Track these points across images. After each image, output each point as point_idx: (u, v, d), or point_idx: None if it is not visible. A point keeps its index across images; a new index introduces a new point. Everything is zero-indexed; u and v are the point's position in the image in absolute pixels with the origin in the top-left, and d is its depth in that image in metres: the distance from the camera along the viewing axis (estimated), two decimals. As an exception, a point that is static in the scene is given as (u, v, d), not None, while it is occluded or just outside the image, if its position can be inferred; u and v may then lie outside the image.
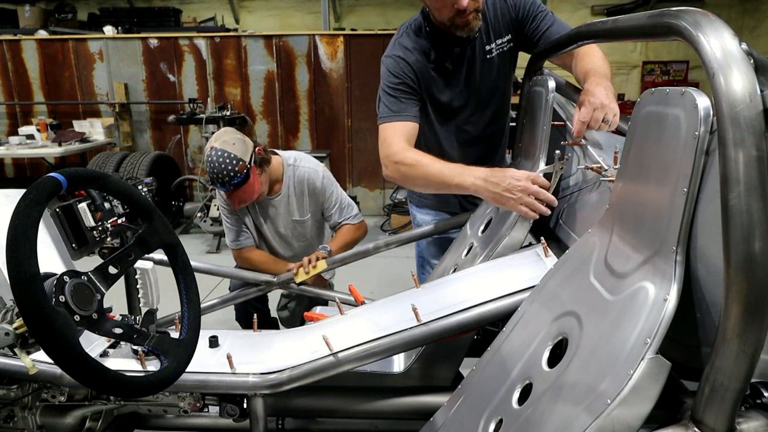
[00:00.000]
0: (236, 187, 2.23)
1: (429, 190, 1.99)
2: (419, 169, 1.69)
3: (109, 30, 6.61)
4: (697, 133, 0.86)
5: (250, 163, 2.23)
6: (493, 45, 1.90)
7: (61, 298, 0.95)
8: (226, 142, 2.22)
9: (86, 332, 1.04)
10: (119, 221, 1.78)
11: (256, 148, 2.30)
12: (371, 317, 1.58)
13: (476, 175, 1.56)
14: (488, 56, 1.92)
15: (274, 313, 2.94)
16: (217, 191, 2.54)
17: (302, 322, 2.46)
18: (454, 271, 1.86)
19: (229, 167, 2.17)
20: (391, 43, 1.92)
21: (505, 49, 1.93)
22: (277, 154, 2.48)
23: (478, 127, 2.05)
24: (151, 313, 1.25)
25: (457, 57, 1.89)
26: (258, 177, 2.29)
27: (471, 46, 1.89)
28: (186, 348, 1.16)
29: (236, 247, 2.54)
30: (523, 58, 2.01)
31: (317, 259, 2.25)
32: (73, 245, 1.66)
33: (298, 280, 2.22)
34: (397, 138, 1.77)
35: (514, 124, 2.27)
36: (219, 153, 2.19)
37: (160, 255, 1.66)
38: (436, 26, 1.84)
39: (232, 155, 2.18)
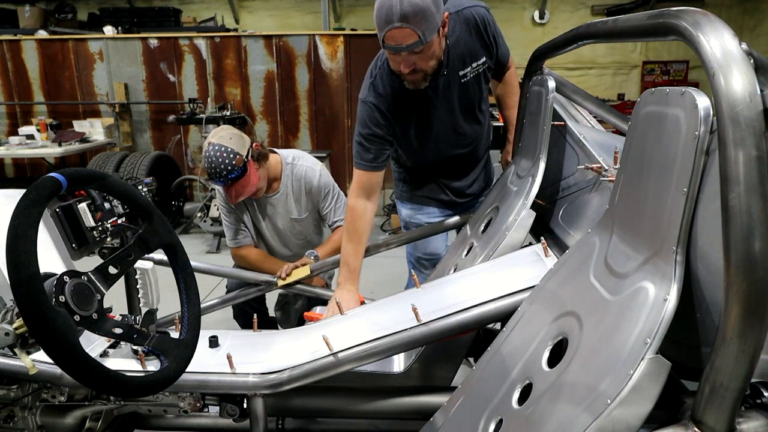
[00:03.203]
0: (234, 181, 2.24)
1: None
2: (344, 230, 2.06)
3: (109, 30, 6.60)
4: (697, 133, 0.86)
5: (247, 157, 2.25)
6: (468, 69, 1.97)
7: (61, 298, 0.95)
8: (223, 138, 2.24)
9: (86, 332, 1.04)
10: (119, 221, 1.78)
11: (254, 144, 2.32)
12: (371, 317, 1.58)
13: (341, 286, 1.97)
14: (463, 80, 1.98)
15: (272, 313, 2.94)
16: (217, 190, 2.55)
17: (300, 322, 2.46)
18: (454, 271, 1.86)
19: (227, 161, 2.19)
20: (365, 84, 1.98)
21: (480, 70, 2.01)
22: (275, 152, 2.48)
23: (461, 142, 2.15)
24: (151, 313, 1.25)
25: (431, 90, 1.94)
26: (256, 171, 2.30)
27: (444, 77, 1.93)
28: (186, 348, 1.16)
29: (234, 246, 2.55)
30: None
31: (294, 268, 2.26)
32: (73, 245, 1.66)
33: (280, 284, 2.24)
34: (355, 186, 2.03)
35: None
36: (216, 147, 2.21)
37: (160, 255, 1.66)
38: None
39: (230, 149, 2.20)
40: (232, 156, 2.19)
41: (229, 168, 2.19)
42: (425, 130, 2.04)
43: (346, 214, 2.08)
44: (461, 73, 1.96)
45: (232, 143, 2.22)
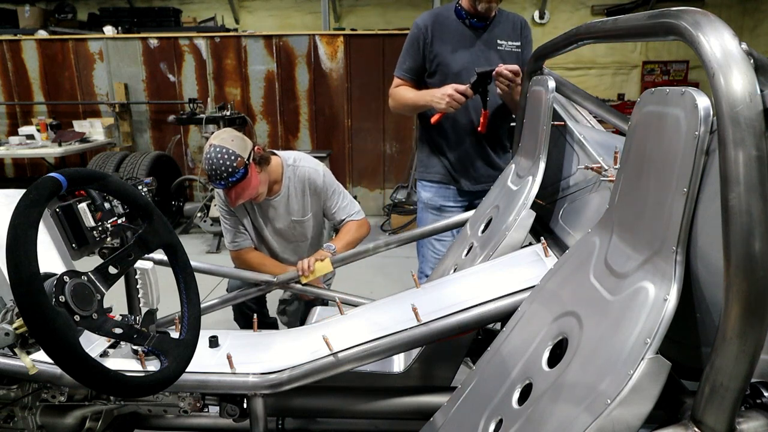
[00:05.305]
0: (234, 184, 2.22)
1: (414, 112, 2.58)
2: (402, 99, 2.45)
3: (109, 30, 6.60)
4: (697, 133, 0.86)
5: (248, 160, 2.23)
6: (505, 42, 2.38)
7: (61, 298, 0.95)
8: (225, 140, 2.22)
9: (86, 332, 1.04)
10: (119, 221, 1.78)
11: (255, 147, 2.30)
12: (371, 317, 1.58)
13: (434, 92, 2.26)
14: (499, 47, 2.37)
15: (272, 314, 2.93)
16: (216, 193, 2.53)
17: (302, 324, 2.46)
18: (454, 271, 1.86)
19: (228, 163, 2.17)
20: (433, 10, 2.53)
21: (513, 49, 2.39)
22: (276, 154, 2.47)
23: (477, 104, 2.29)
24: (151, 313, 1.24)
25: (472, 34, 2.35)
26: (257, 174, 2.28)
27: (486, 32, 2.35)
28: (186, 348, 1.16)
29: (234, 249, 2.54)
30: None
31: (316, 261, 2.21)
32: (73, 245, 1.65)
33: (304, 281, 2.19)
34: (394, 85, 2.51)
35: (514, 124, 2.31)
36: (217, 149, 2.19)
37: (160, 255, 1.66)
38: (464, 7, 2.34)
39: (231, 151, 2.18)
40: (233, 158, 2.18)
41: (230, 170, 2.17)
42: (460, 68, 2.32)
43: (392, 92, 2.50)
44: (499, 41, 2.36)
45: (233, 145, 2.20)
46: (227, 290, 2.57)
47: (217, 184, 2.25)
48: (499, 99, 2.34)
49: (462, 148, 2.45)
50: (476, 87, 2.15)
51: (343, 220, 2.53)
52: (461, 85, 2.16)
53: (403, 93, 2.45)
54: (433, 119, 2.31)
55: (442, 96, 2.18)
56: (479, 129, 2.28)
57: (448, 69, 2.35)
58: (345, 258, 2.26)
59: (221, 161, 2.17)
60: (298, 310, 2.66)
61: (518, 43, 2.39)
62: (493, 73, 2.11)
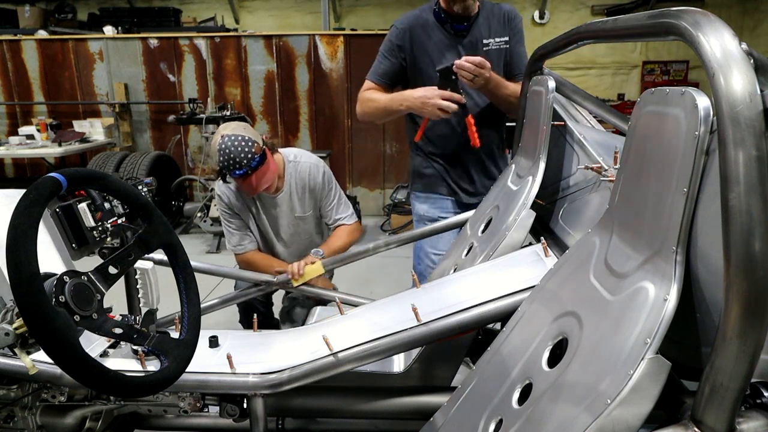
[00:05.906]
0: (254, 170, 2.20)
1: (386, 118, 2.35)
2: (373, 103, 2.22)
3: (109, 30, 6.61)
4: (697, 133, 0.86)
5: (263, 145, 2.24)
6: (491, 40, 2.21)
7: (61, 298, 0.95)
8: (236, 129, 2.22)
9: (86, 332, 1.04)
10: (119, 221, 1.78)
11: (263, 136, 2.32)
12: (371, 317, 1.58)
13: (412, 96, 2.07)
14: (485, 48, 2.21)
15: (277, 316, 2.93)
16: (218, 195, 2.51)
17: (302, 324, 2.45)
18: (454, 271, 1.86)
19: (246, 149, 2.16)
20: (412, 11, 2.29)
21: (501, 46, 2.23)
22: (277, 151, 2.47)
23: (473, 110, 2.19)
24: (151, 313, 1.25)
25: (454, 38, 2.20)
26: (273, 160, 2.29)
27: (469, 33, 2.19)
28: (186, 348, 1.16)
29: (240, 252, 2.53)
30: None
31: (306, 264, 2.21)
32: (73, 245, 1.65)
33: (295, 284, 2.20)
34: (364, 89, 2.29)
35: (513, 124, 2.30)
36: (232, 138, 2.17)
37: (160, 255, 1.66)
38: (442, 8, 2.17)
39: (247, 138, 2.18)
40: (250, 144, 2.17)
41: (249, 156, 2.16)
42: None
43: (361, 96, 2.28)
44: (485, 41, 2.20)
45: (247, 133, 2.20)
46: (235, 289, 2.56)
47: (236, 173, 2.20)
48: (484, 99, 2.21)
49: (456, 159, 2.32)
50: (444, 87, 1.99)
51: (336, 220, 2.53)
52: (453, 93, 1.98)
53: (373, 96, 2.23)
54: (417, 136, 2.16)
55: (430, 106, 1.99)
56: (472, 144, 2.07)
57: (432, 83, 2.12)
58: (339, 260, 2.26)
59: (239, 148, 2.15)
60: (305, 310, 2.66)
61: (506, 38, 2.22)
62: (453, 67, 1.94)
